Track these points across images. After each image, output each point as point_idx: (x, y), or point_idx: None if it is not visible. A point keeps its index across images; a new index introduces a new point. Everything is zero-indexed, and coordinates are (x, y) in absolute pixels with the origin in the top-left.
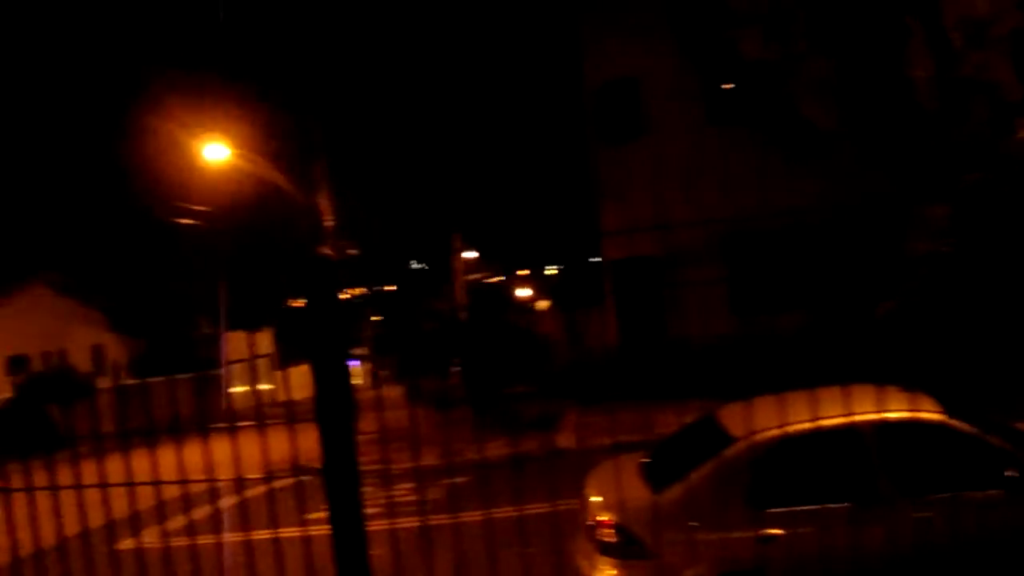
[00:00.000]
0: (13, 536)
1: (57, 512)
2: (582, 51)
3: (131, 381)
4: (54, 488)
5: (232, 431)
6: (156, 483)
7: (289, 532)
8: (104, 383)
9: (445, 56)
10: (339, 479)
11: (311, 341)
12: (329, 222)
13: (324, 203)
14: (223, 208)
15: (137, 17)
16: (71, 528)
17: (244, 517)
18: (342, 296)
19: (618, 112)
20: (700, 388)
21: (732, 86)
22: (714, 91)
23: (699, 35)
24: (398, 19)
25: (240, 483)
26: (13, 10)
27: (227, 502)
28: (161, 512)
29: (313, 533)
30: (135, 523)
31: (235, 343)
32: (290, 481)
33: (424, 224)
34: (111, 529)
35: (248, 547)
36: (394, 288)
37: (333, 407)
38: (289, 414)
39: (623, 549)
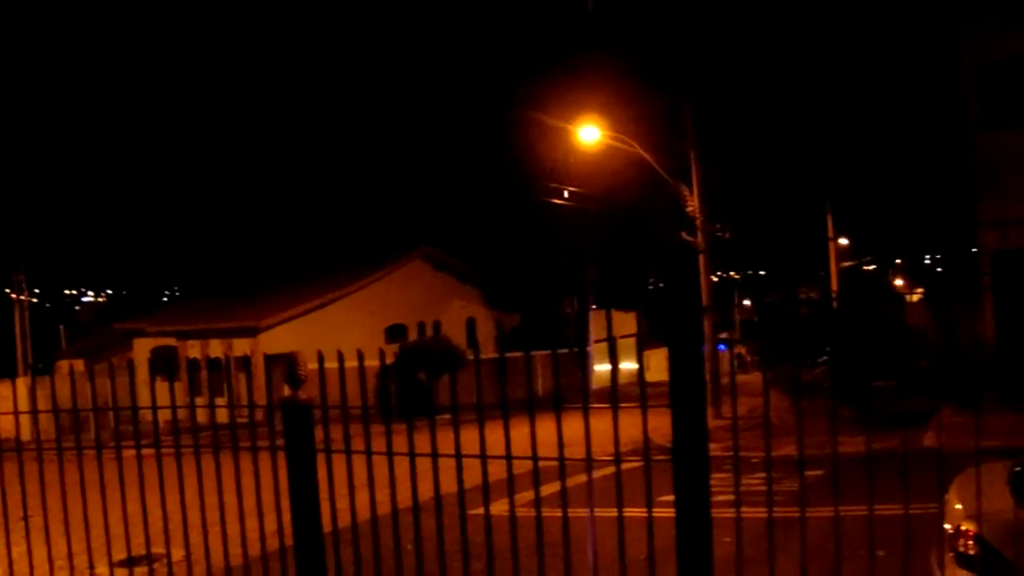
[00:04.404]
0: (371, 495)
1: (412, 475)
2: (959, 29)
3: (496, 355)
4: (411, 454)
5: (587, 409)
6: (507, 457)
7: (633, 512)
8: (472, 355)
9: (814, 37)
10: (688, 463)
11: (668, 327)
12: (692, 207)
13: (685, 187)
14: (595, 189)
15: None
16: (425, 492)
17: (591, 495)
18: (712, 278)
19: (1001, 94)
20: None
21: None
22: None
23: None
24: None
25: (590, 462)
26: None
27: (576, 480)
28: (511, 484)
29: (658, 515)
30: (486, 492)
31: (601, 322)
32: (640, 462)
33: (797, 209)
34: (463, 496)
35: (590, 524)
36: (765, 273)
37: (687, 392)
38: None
39: (982, 563)
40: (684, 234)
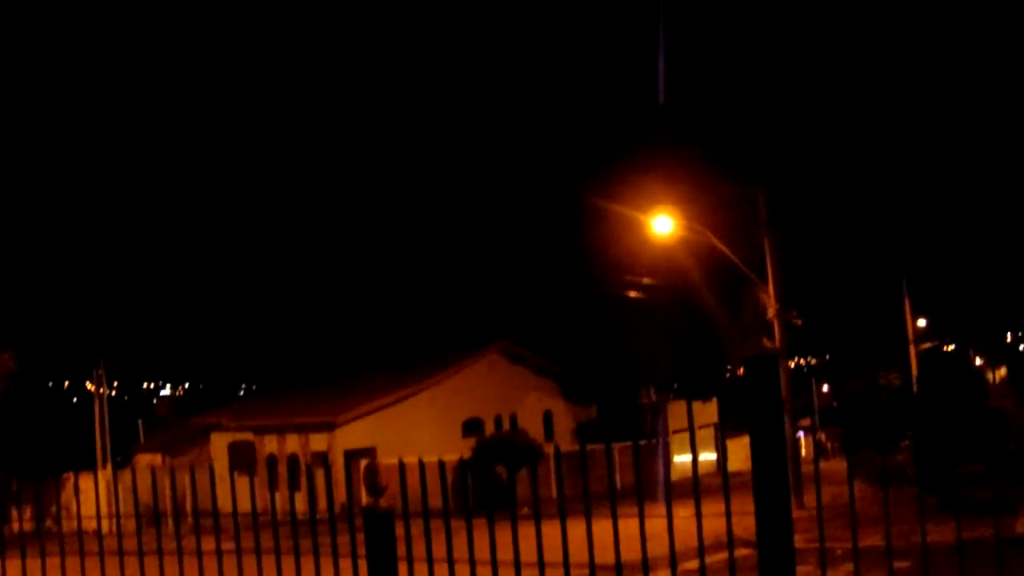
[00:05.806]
0: None
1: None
2: None
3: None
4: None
5: (668, 502)
6: (591, 565)
7: None
8: (551, 448)
9: (884, 115)
10: (773, 556)
11: (751, 428)
12: (772, 310)
13: (764, 287)
14: (670, 280)
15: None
16: None
17: None
18: (790, 363)
19: None
20: None
21: None
22: None
23: None
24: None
25: (673, 556)
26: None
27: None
28: None
29: None
30: None
31: (678, 412)
32: (723, 555)
33: (874, 290)
34: None
35: None
36: (841, 357)
37: (770, 492)
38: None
39: None
40: (765, 340)
